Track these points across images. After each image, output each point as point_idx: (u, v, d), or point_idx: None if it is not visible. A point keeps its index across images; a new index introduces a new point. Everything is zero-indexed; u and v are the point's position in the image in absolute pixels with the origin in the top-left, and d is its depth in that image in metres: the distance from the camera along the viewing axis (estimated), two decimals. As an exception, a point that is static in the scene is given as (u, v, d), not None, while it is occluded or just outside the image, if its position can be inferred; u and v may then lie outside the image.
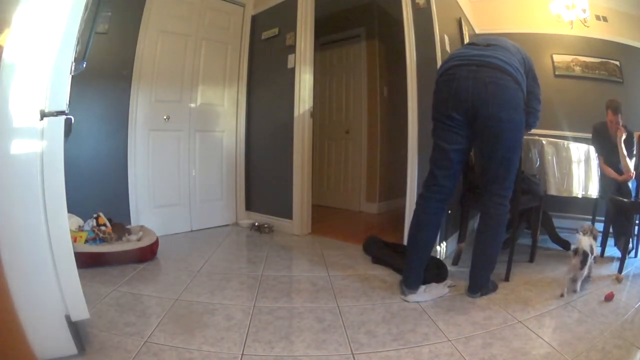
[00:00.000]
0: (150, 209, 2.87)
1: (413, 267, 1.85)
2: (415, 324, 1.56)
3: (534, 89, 1.88)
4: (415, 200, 1.95)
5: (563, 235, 2.76)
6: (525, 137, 2.12)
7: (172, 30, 2.92)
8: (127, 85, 2.72)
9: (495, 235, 1.82)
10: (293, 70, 3.04)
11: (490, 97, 1.66)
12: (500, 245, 1.88)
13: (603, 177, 2.59)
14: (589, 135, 2.79)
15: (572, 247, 1.86)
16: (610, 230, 2.58)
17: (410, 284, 1.84)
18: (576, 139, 2.66)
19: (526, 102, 1.85)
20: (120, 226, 2.45)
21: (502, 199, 1.80)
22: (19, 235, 1.15)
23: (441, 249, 2.36)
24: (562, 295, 1.82)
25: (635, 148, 2.51)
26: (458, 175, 1.86)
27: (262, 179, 3.39)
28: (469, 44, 2.02)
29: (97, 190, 2.55)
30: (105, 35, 2.55)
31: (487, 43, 1.84)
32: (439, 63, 2.25)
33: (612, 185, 2.58)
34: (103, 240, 2.25)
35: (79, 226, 2.27)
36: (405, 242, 2.25)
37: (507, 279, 2.05)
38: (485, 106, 1.67)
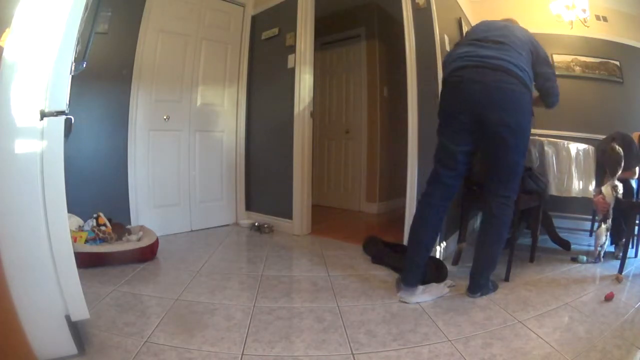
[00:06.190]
0: (150, 209, 2.87)
1: (412, 264, 1.84)
2: (415, 324, 1.56)
3: (543, 69, 1.83)
4: (415, 200, 1.95)
5: (563, 235, 2.76)
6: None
7: (172, 30, 2.92)
8: (127, 85, 2.72)
9: (498, 235, 1.81)
10: (293, 70, 3.04)
11: (498, 102, 1.65)
12: (502, 246, 1.87)
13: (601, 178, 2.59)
14: (589, 135, 2.79)
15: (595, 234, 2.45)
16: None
17: (408, 281, 1.82)
18: (576, 139, 2.66)
19: (539, 86, 1.85)
20: (120, 226, 2.45)
21: (507, 200, 1.79)
22: (19, 235, 1.14)
23: (441, 249, 2.36)
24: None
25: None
26: (462, 176, 1.85)
27: (262, 179, 3.39)
28: (474, 40, 1.83)
29: (97, 190, 2.55)
30: (105, 35, 2.55)
31: (495, 40, 1.75)
32: (439, 63, 2.25)
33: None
34: (103, 240, 2.26)
35: (79, 226, 2.27)
36: (405, 242, 2.25)
37: (507, 279, 2.05)
38: (493, 111, 1.66)
